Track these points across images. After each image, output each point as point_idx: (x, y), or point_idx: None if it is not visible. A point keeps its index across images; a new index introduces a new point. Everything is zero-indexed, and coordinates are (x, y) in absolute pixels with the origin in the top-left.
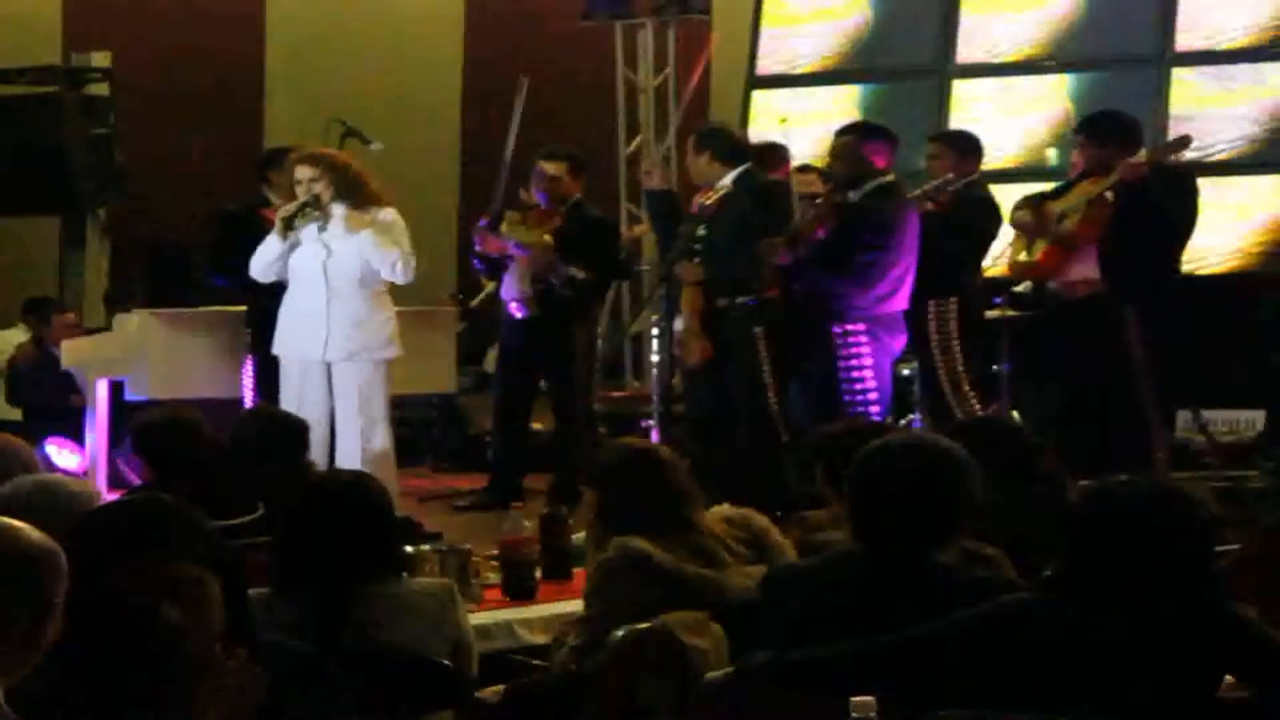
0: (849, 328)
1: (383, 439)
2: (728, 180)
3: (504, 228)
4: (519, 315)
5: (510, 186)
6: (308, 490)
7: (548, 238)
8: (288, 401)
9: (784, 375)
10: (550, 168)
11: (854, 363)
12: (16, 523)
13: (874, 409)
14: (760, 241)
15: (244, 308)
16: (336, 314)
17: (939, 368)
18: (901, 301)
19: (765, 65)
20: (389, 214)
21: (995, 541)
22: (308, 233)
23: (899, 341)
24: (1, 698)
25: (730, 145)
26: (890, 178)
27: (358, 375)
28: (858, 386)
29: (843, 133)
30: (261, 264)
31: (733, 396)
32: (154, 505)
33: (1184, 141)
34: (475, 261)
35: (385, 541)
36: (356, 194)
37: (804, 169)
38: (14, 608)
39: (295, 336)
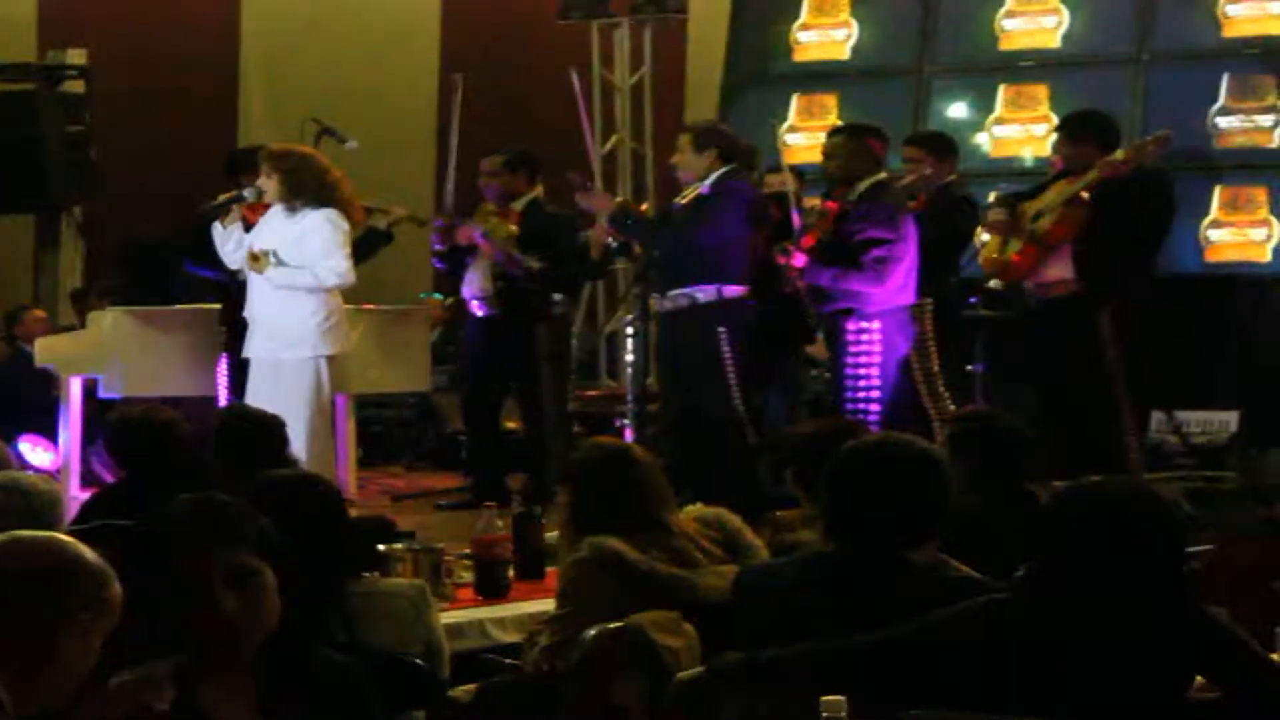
0: (864, 325)
1: (313, 438)
2: (709, 180)
3: (476, 216)
4: (480, 313)
5: (460, 188)
6: (253, 492)
7: (513, 228)
8: (250, 399)
9: (756, 376)
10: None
11: (863, 360)
12: (63, 538)
13: (873, 407)
14: (773, 245)
15: (218, 306)
16: (257, 313)
17: (914, 368)
18: (910, 296)
19: (742, 65)
20: (315, 219)
21: (970, 541)
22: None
23: (908, 340)
24: (10, 712)
25: (732, 147)
26: (883, 175)
27: (281, 374)
28: (862, 384)
29: (836, 132)
30: (221, 252)
31: (696, 396)
32: (221, 500)
33: (1164, 139)
34: (435, 261)
35: (340, 541)
36: (302, 193)
37: (775, 168)
38: (24, 616)
39: (246, 335)
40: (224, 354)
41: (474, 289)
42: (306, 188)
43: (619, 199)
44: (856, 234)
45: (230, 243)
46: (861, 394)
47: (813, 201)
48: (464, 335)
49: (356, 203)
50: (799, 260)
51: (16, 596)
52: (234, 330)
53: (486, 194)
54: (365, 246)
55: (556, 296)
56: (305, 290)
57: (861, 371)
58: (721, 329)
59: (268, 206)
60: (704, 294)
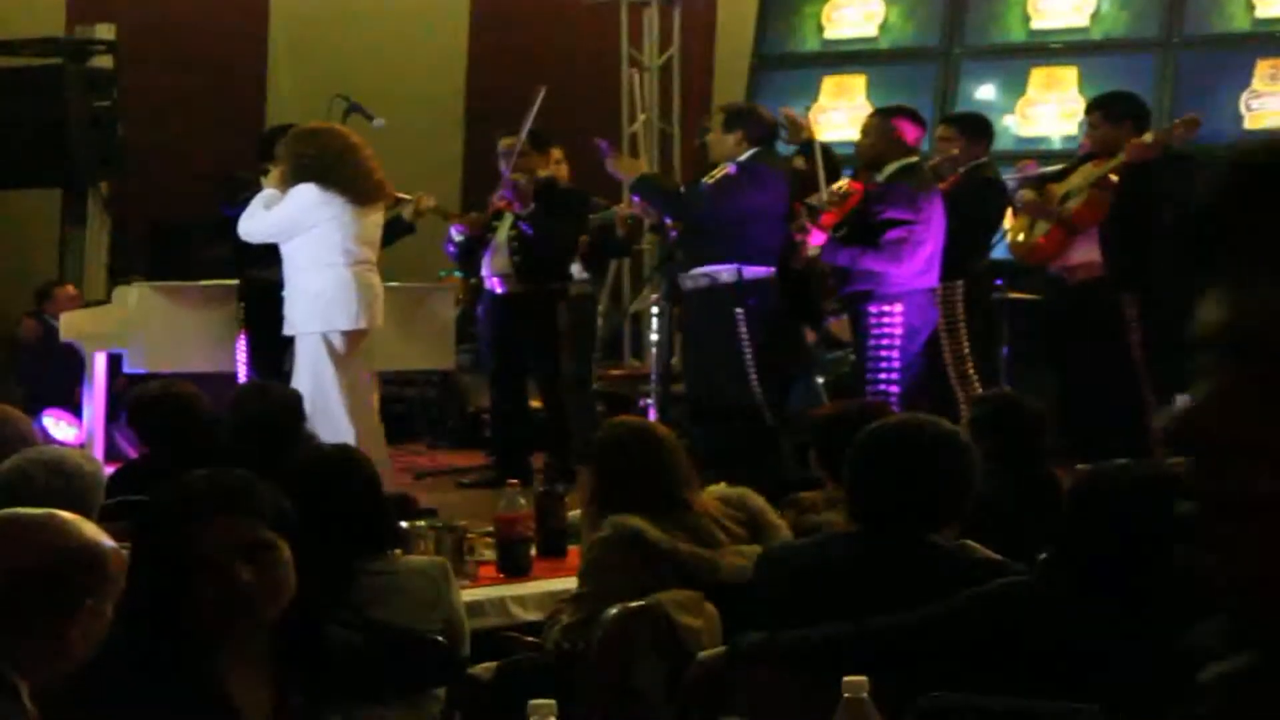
0: (885, 308)
1: (313, 413)
2: (738, 160)
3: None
4: (500, 291)
5: (486, 171)
6: (295, 465)
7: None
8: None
9: (771, 358)
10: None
11: (884, 343)
12: (65, 516)
13: (894, 389)
14: (791, 223)
15: (237, 282)
16: (287, 289)
17: (944, 350)
18: (933, 279)
19: (770, 45)
20: (294, 190)
21: (991, 524)
22: None
23: (932, 322)
24: (26, 697)
25: (762, 127)
26: (914, 158)
27: (301, 349)
28: (883, 366)
29: (875, 113)
30: None
31: (714, 377)
32: (237, 475)
33: (1193, 122)
34: (449, 246)
35: (374, 516)
36: (298, 174)
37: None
38: (42, 608)
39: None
40: (243, 330)
41: (493, 266)
42: (300, 166)
43: (646, 169)
44: (877, 215)
45: None
46: (882, 375)
47: (842, 182)
48: (480, 314)
49: (383, 183)
50: (816, 239)
51: (24, 595)
52: (252, 306)
53: (502, 171)
54: (386, 235)
55: (574, 272)
56: (310, 267)
57: (882, 354)
58: (739, 310)
59: None
60: (725, 274)
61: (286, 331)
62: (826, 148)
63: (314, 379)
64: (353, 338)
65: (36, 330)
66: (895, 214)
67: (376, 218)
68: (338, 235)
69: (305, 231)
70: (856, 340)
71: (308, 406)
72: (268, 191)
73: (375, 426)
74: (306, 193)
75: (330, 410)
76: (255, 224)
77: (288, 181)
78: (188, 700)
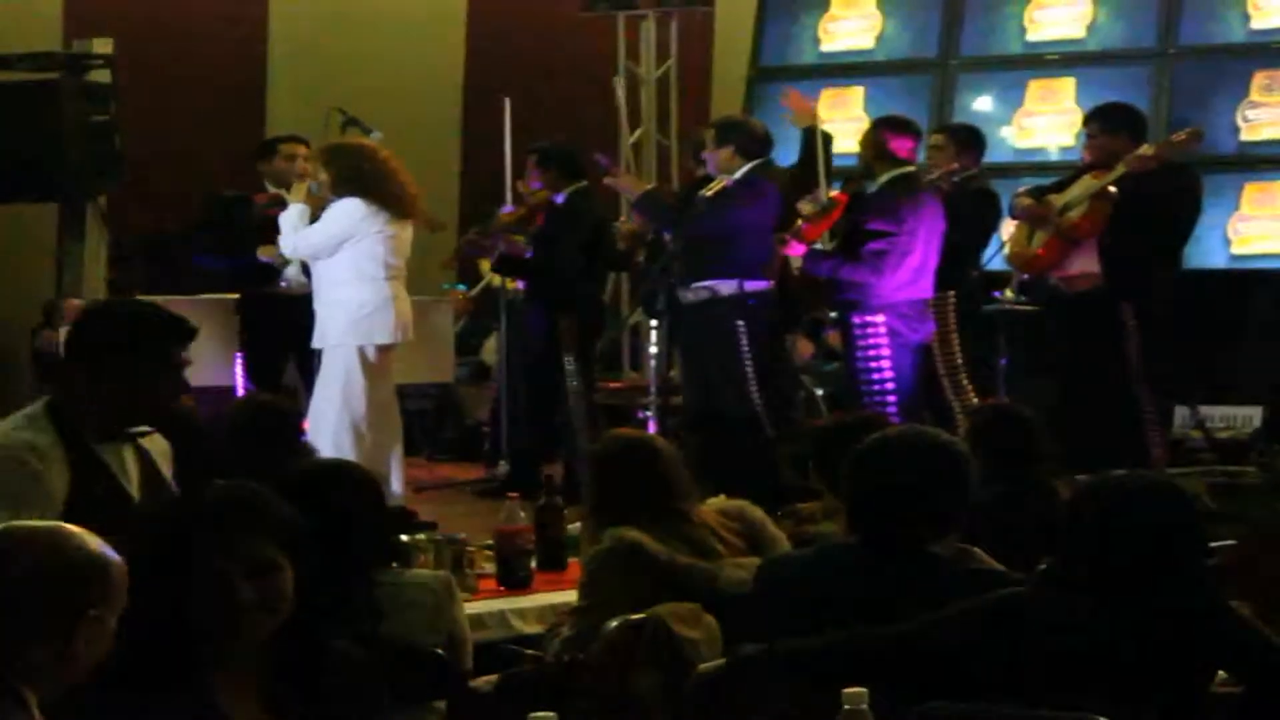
0: (868, 319)
1: (339, 428)
2: (737, 174)
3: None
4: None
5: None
6: (292, 479)
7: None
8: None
9: (770, 370)
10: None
11: (871, 354)
12: (69, 529)
13: (890, 399)
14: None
15: (235, 295)
16: (322, 302)
17: (937, 360)
18: (924, 290)
19: (767, 58)
20: (340, 203)
21: (990, 533)
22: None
23: (922, 332)
24: (35, 707)
25: (754, 140)
26: (910, 168)
27: (333, 361)
28: (875, 378)
29: (872, 124)
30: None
31: (713, 389)
32: (248, 489)
33: (1195, 135)
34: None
35: (372, 531)
36: (341, 186)
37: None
38: (46, 618)
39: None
40: (240, 343)
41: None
42: (345, 180)
43: (648, 185)
44: (861, 225)
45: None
46: (876, 386)
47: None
48: (507, 327)
49: (418, 198)
50: (796, 250)
51: (30, 605)
52: (248, 319)
53: (534, 187)
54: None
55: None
56: (353, 280)
57: (872, 365)
58: (739, 323)
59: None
60: (725, 287)
61: (317, 344)
62: (828, 136)
63: (345, 392)
64: (386, 351)
65: (50, 339)
66: (878, 225)
67: (410, 232)
68: (381, 248)
69: (353, 245)
70: (845, 351)
71: (334, 420)
72: (295, 207)
73: (398, 444)
74: (354, 206)
75: (356, 424)
76: (305, 240)
77: (333, 194)
78: (182, 715)
